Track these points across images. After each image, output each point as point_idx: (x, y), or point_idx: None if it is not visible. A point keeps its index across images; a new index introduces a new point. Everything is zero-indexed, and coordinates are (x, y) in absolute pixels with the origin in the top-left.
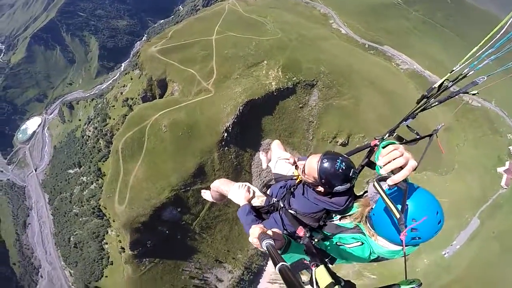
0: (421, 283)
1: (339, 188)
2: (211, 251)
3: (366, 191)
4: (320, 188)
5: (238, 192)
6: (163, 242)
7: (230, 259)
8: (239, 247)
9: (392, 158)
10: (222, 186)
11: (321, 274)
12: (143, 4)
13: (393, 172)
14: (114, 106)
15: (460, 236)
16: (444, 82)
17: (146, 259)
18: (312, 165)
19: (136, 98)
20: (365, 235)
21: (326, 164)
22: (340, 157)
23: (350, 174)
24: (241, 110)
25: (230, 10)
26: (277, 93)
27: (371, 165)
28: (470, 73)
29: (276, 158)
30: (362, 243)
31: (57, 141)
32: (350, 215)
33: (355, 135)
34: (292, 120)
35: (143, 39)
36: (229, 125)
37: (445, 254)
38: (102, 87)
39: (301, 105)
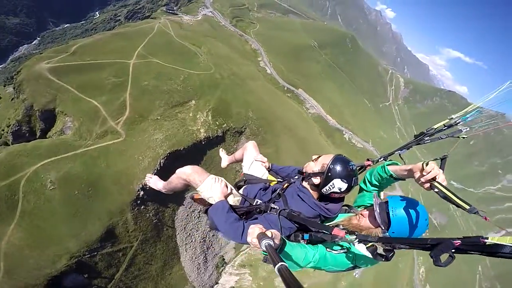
0: None
1: (336, 182)
2: None
3: (345, 204)
4: (317, 179)
5: (214, 186)
6: None
7: None
8: None
9: (433, 175)
10: (195, 174)
11: None
12: (51, 2)
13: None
14: None
15: None
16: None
17: None
18: (329, 155)
19: (4, 131)
20: (349, 243)
21: (342, 157)
22: (354, 163)
23: (354, 178)
24: (162, 164)
25: (160, 31)
26: (205, 141)
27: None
28: (459, 122)
29: (252, 159)
30: (346, 251)
31: None
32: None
33: None
34: (219, 170)
35: (33, 42)
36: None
37: (356, 275)
38: None
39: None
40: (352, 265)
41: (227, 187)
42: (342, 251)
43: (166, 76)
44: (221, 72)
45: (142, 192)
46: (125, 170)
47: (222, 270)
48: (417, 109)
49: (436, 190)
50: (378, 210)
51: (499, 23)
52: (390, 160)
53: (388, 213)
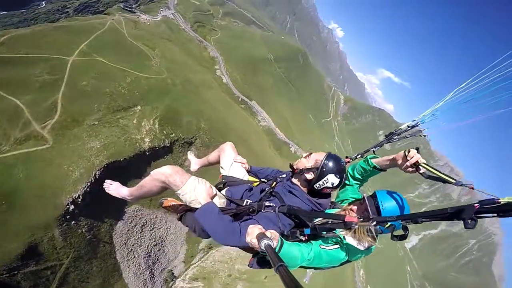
0: None
1: (330, 177)
2: None
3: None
4: (310, 174)
5: (199, 187)
6: None
7: None
8: None
9: (417, 159)
10: (175, 175)
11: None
12: None
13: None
14: None
15: None
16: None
17: None
18: (321, 152)
19: None
20: (340, 238)
21: (334, 155)
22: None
23: (344, 174)
24: (97, 176)
25: (112, 28)
26: (150, 152)
27: None
28: (419, 124)
29: (231, 160)
30: (339, 246)
31: None
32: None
33: None
34: None
35: None
36: (79, 196)
37: (305, 280)
38: None
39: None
40: (345, 259)
41: (212, 188)
42: (335, 246)
43: (110, 77)
44: (173, 78)
45: (72, 207)
46: (50, 182)
47: (172, 285)
48: (352, 125)
49: (421, 171)
50: (368, 204)
51: (426, 51)
52: (369, 155)
53: (377, 207)
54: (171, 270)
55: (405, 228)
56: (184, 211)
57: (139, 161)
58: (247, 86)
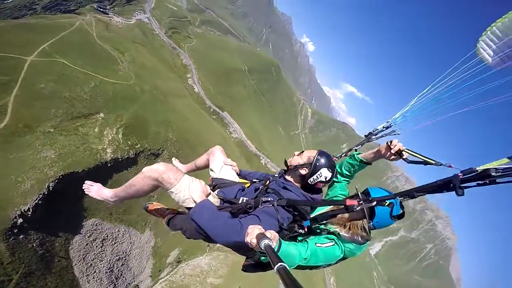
0: None
1: (323, 171)
2: None
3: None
4: (304, 170)
5: (193, 185)
6: None
7: None
8: None
9: (400, 147)
10: (169, 172)
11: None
12: None
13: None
14: None
15: None
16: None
17: None
18: (313, 150)
19: None
20: (335, 234)
21: (325, 151)
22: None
23: (335, 169)
24: (51, 188)
25: (80, 28)
26: (112, 163)
27: None
28: (392, 125)
29: (221, 163)
30: (334, 243)
31: None
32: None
33: None
34: None
35: None
36: (29, 208)
37: None
38: None
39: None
40: (341, 256)
41: (206, 187)
42: (330, 243)
43: (71, 81)
44: (142, 84)
45: (20, 220)
46: None
47: None
48: (319, 138)
49: (404, 157)
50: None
51: (389, 68)
52: (354, 152)
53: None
54: (137, 285)
55: (402, 206)
56: (172, 214)
57: (99, 173)
58: (220, 96)
